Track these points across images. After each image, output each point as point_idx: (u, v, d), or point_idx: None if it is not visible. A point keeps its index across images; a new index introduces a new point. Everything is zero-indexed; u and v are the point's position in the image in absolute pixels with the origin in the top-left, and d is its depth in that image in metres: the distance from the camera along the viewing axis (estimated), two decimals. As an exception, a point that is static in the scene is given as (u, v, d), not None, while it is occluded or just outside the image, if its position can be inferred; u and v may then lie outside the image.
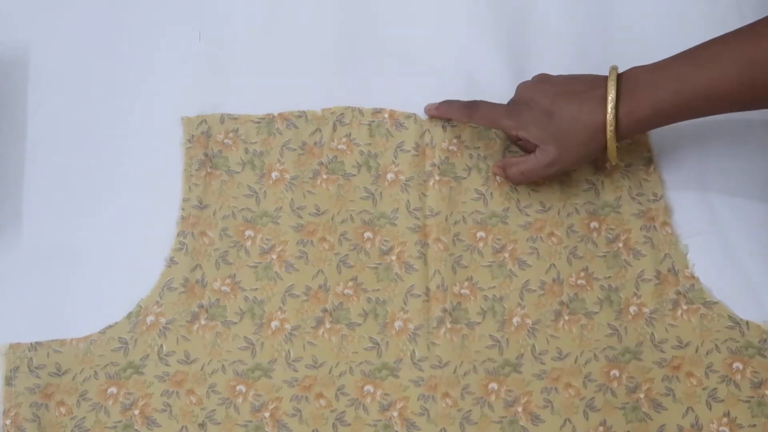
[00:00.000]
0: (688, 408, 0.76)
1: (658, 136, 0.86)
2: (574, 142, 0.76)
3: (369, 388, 0.76)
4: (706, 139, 0.86)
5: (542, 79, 0.80)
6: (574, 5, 0.91)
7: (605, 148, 0.76)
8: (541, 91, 0.78)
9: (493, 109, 0.81)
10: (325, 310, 0.78)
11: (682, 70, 0.73)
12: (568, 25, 0.90)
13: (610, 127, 0.74)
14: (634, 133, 0.78)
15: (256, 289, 0.79)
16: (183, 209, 0.81)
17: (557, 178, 0.83)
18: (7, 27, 0.88)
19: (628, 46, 0.87)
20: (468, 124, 0.85)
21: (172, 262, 0.79)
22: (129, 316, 0.77)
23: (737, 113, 0.83)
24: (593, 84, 0.76)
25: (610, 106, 0.74)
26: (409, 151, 0.84)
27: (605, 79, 0.75)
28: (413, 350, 0.77)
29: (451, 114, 0.84)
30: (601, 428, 0.75)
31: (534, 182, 0.83)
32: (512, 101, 0.81)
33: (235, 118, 0.84)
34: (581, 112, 0.75)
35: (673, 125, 0.78)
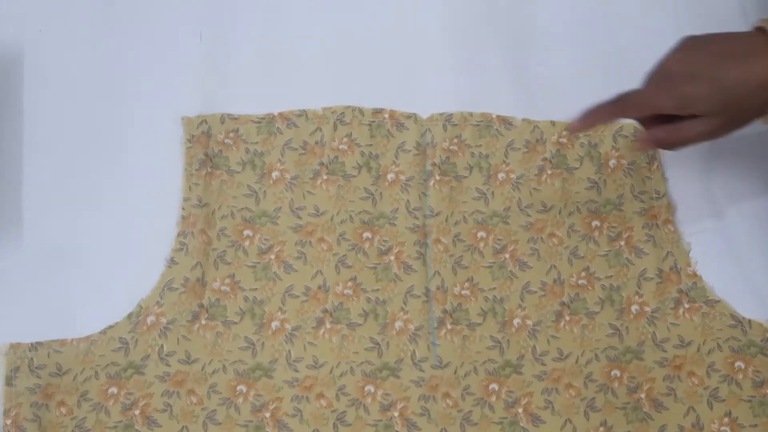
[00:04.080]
0: (689, 408, 0.76)
1: (661, 133, 0.85)
2: (743, 107, 0.70)
3: (370, 388, 0.76)
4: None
5: (691, 46, 0.71)
6: (576, 4, 0.91)
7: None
8: (698, 60, 0.70)
9: (647, 94, 0.72)
10: (325, 311, 0.78)
11: None
12: (569, 24, 0.90)
13: None
14: None
15: (256, 289, 0.79)
16: (183, 209, 0.81)
17: (559, 176, 0.83)
18: (6, 26, 0.88)
19: (630, 45, 0.87)
20: (468, 124, 0.84)
21: (172, 262, 0.79)
22: (129, 316, 0.77)
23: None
24: (753, 38, 0.70)
25: None
26: (410, 151, 0.84)
27: (764, 31, 0.70)
28: (414, 350, 0.77)
29: (601, 119, 0.74)
30: (601, 428, 0.75)
31: (537, 181, 0.83)
32: (660, 77, 0.71)
33: (236, 118, 0.84)
34: (752, 73, 0.68)
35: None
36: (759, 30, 0.70)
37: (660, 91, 0.70)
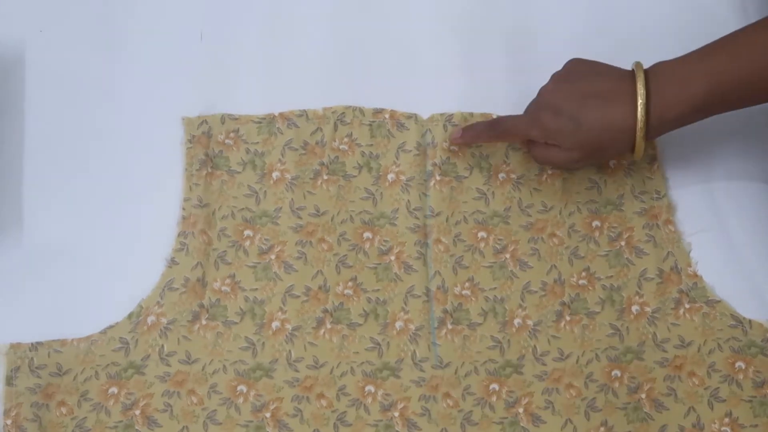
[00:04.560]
0: (689, 408, 0.76)
1: (662, 133, 0.85)
2: (601, 146, 0.75)
3: (370, 388, 0.76)
4: (711, 136, 0.86)
5: (564, 79, 0.77)
6: (576, 4, 0.91)
7: (633, 147, 0.74)
8: (566, 96, 0.75)
9: (517, 122, 0.79)
10: (325, 311, 0.78)
11: (717, 62, 0.71)
12: (569, 25, 0.90)
13: (640, 133, 0.72)
14: (666, 131, 0.75)
15: (256, 289, 0.79)
16: (184, 209, 0.81)
17: (560, 176, 0.83)
18: (6, 25, 0.88)
19: (629, 46, 0.87)
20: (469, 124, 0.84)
21: (172, 262, 0.79)
22: (130, 316, 0.77)
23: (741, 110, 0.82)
24: (620, 82, 0.73)
25: (640, 109, 0.72)
26: (410, 151, 0.84)
27: (632, 75, 0.73)
28: (414, 350, 0.77)
29: (477, 138, 0.82)
30: (602, 429, 0.75)
31: (538, 181, 0.83)
32: (534, 106, 0.78)
33: (236, 119, 0.84)
34: (610, 118, 0.73)
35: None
36: (631, 72, 0.74)
37: (530, 122, 0.77)
